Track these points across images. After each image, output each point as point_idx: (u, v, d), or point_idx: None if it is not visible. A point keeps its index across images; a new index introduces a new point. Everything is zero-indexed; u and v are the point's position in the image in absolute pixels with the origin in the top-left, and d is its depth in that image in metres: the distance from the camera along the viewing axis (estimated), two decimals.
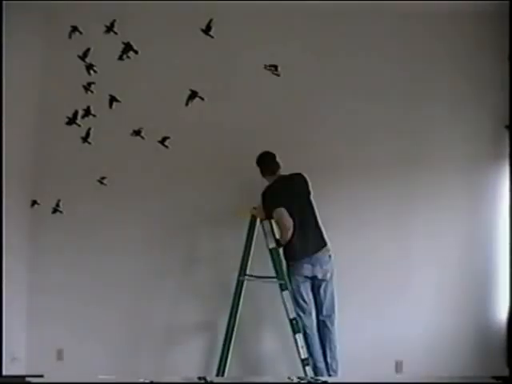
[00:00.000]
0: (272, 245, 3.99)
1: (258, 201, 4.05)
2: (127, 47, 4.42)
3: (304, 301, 3.98)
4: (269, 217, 3.97)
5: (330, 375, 3.96)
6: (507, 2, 4.06)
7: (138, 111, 4.42)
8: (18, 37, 4.15)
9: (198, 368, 4.29)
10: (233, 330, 3.96)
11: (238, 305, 3.97)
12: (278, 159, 4.09)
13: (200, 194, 4.38)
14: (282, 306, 3.97)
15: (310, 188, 4.02)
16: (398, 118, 4.36)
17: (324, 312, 4.02)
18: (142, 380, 3.92)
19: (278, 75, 4.34)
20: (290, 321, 3.94)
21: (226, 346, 3.95)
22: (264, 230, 4.01)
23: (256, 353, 4.31)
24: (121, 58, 4.44)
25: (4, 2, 3.83)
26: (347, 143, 4.35)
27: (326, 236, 4.00)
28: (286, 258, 4.01)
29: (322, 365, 3.97)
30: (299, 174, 4.03)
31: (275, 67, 4.31)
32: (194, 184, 4.38)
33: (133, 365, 4.31)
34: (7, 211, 3.95)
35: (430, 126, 4.37)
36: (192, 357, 4.32)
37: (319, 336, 4.02)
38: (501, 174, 4.31)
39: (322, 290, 3.99)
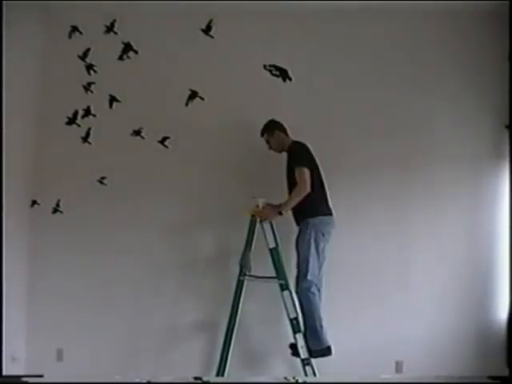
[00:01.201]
0: (272, 245, 3.99)
1: (257, 201, 4.06)
2: (127, 47, 4.42)
3: (321, 260, 3.95)
4: (290, 169, 4.00)
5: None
6: (507, 2, 4.07)
7: (138, 111, 4.42)
8: (18, 37, 4.15)
9: (198, 368, 4.28)
10: (233, 329, 3.96)
11: (238, 305, 3.97)
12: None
13: (200, 193, 4.38)
14: (282, 306, 3.97)
15: None
16: (398, 118, 4.36)
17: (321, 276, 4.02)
18: (142, 380, 3.94)
19: (278, 76, 4.35)
20: (290, 321, 3.94)
21: (226, 346, 3.95)
22: (264, 230, 4.01)
23: (256, 353, 4.31)
24: (121, 57, 4.44)
25: (4, 1, 3.83)
26: (347, 143, 4.35)
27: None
28: (317, 215, 3.95)
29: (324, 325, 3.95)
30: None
31: (275, 67, 4.30)
32: (194, 184, 4.38)
33: (133, 365, 4.31)
34: (7, 211, 3.95)
35: (430, 126, 4.37)
36: (192, 357, 4.32)
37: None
38: (501, 174, 4.31)
39: (325, 252, 4.00)
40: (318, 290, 3.96)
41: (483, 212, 4.33)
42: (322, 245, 3.94)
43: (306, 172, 3.91)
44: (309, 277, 3.89)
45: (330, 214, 4.02)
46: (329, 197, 4.05)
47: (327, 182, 4.08)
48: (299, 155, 3.99)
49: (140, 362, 4.34)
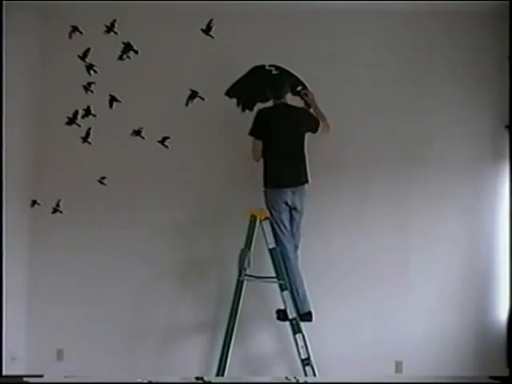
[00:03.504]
0: (272, 245, 3.99)
1: (257, 201, 4.06)
2: (127, 47, 4.42)
3: (285, 227, 3.99)
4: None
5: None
6: (507, 1, 4.06)
7: (138, 111, 4.42)
8: (18, 37, 4.15)
9: (198, 368, 4.29)
10: (233, 329, 3.96)
11: (238, 305, 3.96)
12: (288, 87, 4.10)
13: (200, 193, 4.38)
14: (282, 306, 3.97)
15: (312, 125, 4.04)
16: (398, 118, 4.36)
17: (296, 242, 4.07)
18: (140, 380, 3.95)
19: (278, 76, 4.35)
20: (290, 321, 3.94)
21: (226, 346, 3.95)
22: (264, 230, 4.01)
23: (256, 353, 4.31)
24: (121, 57, 4.44)
25: (4, 1, 3.83)
26: (347, 143, 4.35)
27: (309, 174, 4.02)
28: (266, 185, 4.00)
29: (303, 290, 3.97)
30: (303, 109, 4.10)
31: (275, 67, 4.30)
32: (194, 184, 4.38)
33: (133, 365, 4.31)
34: (7, 211, 3.95)
35: (430, 126, 4.37)
36: (192, 357, 4.33)
37: None
38: (501, 174, 4.31)
39: (295, 222, 4.03)
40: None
41: (483, 212, 4.33)
42: (278, 215, 3.96)
43: (257, 146, 4.00)
44: (282, 240, 3.97)
45: (277, 186, 3.96)
46: (284, 167, 3.96)
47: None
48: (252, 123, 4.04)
49: (140, 362, 4.34)
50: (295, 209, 4.01)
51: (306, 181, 4.02)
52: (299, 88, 4.23)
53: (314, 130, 4.06)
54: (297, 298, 3.96)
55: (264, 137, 4.01)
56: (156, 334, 4.37)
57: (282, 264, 3.97)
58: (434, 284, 4.30)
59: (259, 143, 4.01)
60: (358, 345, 4.23)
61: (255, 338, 4.30)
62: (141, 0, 4.23)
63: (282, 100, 4.06)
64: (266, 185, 4.00)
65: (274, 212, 3.98)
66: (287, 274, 3.96)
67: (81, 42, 4.45)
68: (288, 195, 3.96)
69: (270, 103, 4.12)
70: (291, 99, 4.18)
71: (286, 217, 4.00)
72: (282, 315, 4.00)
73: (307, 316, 3.97)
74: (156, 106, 4.42)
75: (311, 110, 4.18)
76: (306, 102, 4.23)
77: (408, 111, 4.37)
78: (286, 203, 3.96)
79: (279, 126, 3.98)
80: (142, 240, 4.38)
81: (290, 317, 3.93)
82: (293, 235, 4.05)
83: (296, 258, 4.05)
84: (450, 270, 4.30)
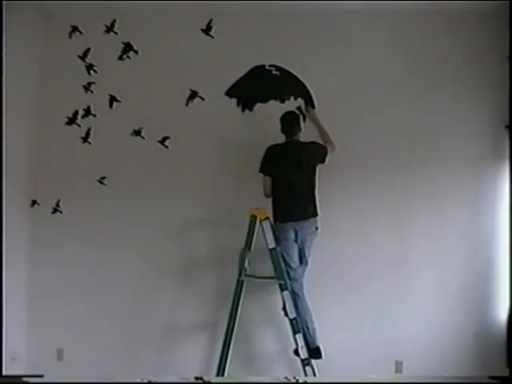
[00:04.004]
0: (272, 245, 3.99)
1: (257, 201, 4.06)
2: (127, 47, 4.42)
3: (293, 261, 4.01)
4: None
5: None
6: (507, 1, 4.07)
7: (138, 111, 4.42)
8: (18, 36, 4.15)
9: (198, 368, 4.29)
10: (233, 329, 3.96)
11: (237, 305, 3.97)
12: (301, 124, 4.11)
13: (200, 193, 4.38)
14: (282, 306, 3.97)
15: (321, 157, 4.05)
16: (398, 118, 4.36)
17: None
18: (141, 380, 3.95)
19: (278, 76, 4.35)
20: (290, 321, 3.94)
21: (226, 345, 3.95)
22: (264, 230, 4.01)
23: (256, 353, 4.31)
24: (121, 57, 4.44)
25: (4, 1, 3.83)
26: (347, 143, 4.34)
27: (318, 209, 4.04)
28: (274, 220, 4.04)
29: (313, 326, 3.99)
30: (314, 143, 4.08)
31: (275, 67, 4.30)
32: (194, 184, 4.38)
33: (133, 365, 4.31)
34: (7, 211, 3.95)
35: (430, 126, 4.36)
36: (192, 357, 4.33)
37: None
38: (501, 174, 4.31)
39: (303, 253, 4.03)
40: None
41: (483, 212, 4.33)
42: (284, 249, 3.98)
43: (266, 183, 4.05)
44: (291, 275, 3.99)
45: (283, 221, 3.99)
46: (289, 203, 4.01)
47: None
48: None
49: (140, 362, 4.34)
50: (303, 242, 4.02)
51: (314, 214, 4.03)
52: (302, 106, 4.24)
53: (324, 160, 4.07)
54: (307, 334, 3.97)
55: (273, 174, 4.03)
56: (156, 334, 4.37)
57: (282, 264, 3.98)
58: (433, 284, 4.30)
59: (268, 180, 4.04)
60: (358, 345, 4.23)
61: (255, 338, 4.30)
62: (141, 0, 4.23)
63: (295, 137, 4.08)
64: (274, 219, 4.03)
65: (282, 246, 3.99)
66: (296, 309, 3.96)
67: (81, 42, 4.45)
68: (294, 229, 3.98)
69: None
70: (291, 104, 4.22)
71: (293, 251, 4.01)
72: (297, 352, 3.99)
73: (316, 352, 3.98)
74: (156, 106, 4.42)
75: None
76: (304, 118, 4.20)
77: (408, 111, 4.36)
78: (289, 237, 3.98)
79: (288, 165, 4.01)
80: (142, 240, 4.38)
81: (290, 317, 3.93)
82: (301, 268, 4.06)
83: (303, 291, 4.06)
84: (449, 269, 4.30)
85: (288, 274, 3.97)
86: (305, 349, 3.94)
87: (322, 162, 4.07)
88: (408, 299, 4.29)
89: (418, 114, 4.36)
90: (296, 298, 3.99)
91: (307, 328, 3.98)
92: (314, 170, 4.06)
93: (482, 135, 4.36)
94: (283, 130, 4.09)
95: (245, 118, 4.35)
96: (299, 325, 3.94)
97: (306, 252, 4.04)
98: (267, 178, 4.06)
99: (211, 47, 4.38)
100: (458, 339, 4.24)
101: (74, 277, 4.39)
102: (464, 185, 4.34)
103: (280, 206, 4.02)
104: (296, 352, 3.99)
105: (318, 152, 4.06)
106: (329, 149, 4.08)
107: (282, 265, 3.95)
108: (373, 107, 4.37)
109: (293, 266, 4.00)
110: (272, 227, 4.02)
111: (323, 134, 4.15)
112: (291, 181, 4.00)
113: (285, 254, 3.99)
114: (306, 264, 4.06)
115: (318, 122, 4.19)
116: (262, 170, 4.06)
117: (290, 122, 4.10)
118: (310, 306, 4.03)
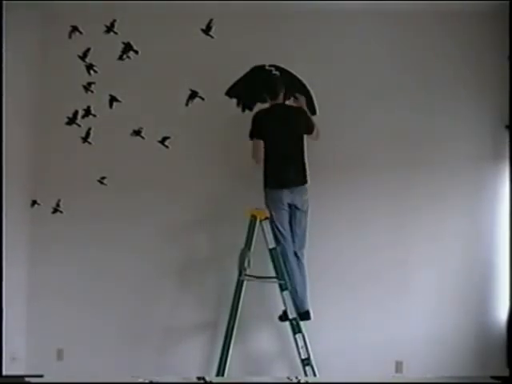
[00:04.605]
0: (272, 245, 3.99)
1: (257, 201, 4.06)
2: (127, 47, 4.43)
3: (284, 228, 4.00)
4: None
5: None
6: (507, 1, 4.07)
7: (138, 111, 4.43)
8: (18, 36, 4.15)
9: (198, 368, 4.29)
10: (233, 329, 3.96)
11: (237, 305, 3.96)
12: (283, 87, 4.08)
13: (200, 193, 4.38)
14: (282, 306, 3.97)
15: (308, 126, 4.03)
16: (398, 118, 4.36)
17: (297, 243, 4.06)
18: (141, 380, 3.95)
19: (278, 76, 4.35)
20: (290, 321, 3.94)
21: (226, 345, 3.95)
22: (264, 230, 4.01)
23: (256, 353, 4.31)
24: (121, 57, 4.44)
25: (4, 1, 3.83)
26: (347, 143, 4.35)
27: (308, 174, 4.03)
28: (266, 186, 4.01)
29: (301, 289, 3.99)
30: (300, 109, 4.07)
31: (275, 67, 4.30)
32: (194, 184, 4.38)
33: (133, 365, 4.31)
34: (7, 211, 3.95)
35: (430, 126, 4.36)
36: (192, 357, 4.33)
37: None
38: (501, 174, 4.31)
39: (297, 220, 4.03)
40: (296, 256, 4.04)
41: (483, 212, 4.33)
42: (276, 215, 3.97)
43: (259, 146, 4.01)
44: (280, 240, 3.99)
45: (279, 187, 3.97)
46: (283, 167, 3.96)
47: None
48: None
49: (140, 362, 4.34)
50: (296, 207, 4.01)
51: (305, 181, 4.03)
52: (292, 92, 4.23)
53: (310, 131, 4.06)
54: (295, 297, 3.97)
55: (265, 137, 4.01)
56: (156, 334, 4.37)
57: (282, 264, 3.98)
58: (433, 284, 4.29)
59: (260, 143, 4.02)
60: (358, 345, 4.22)
61: (255, 337, 4.30)
62: (141, 0, 4.23)
63: (278, 100, 4.06)
64: (265, 185, 4.02)
65: (273, 212, 3.98)
66: (287, 273, 3.96)
67: (81, 42, 4.45)
68: (287, 195, 3.96)
69: (266, 104, 4.12)
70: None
71: (285, 217, 4.01)
72: (283, 316, 4.01)
73: (305, 315, 3.98)
74: (156, 105, 4.42)
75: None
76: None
77: (408, 110, 4.36)
78: (286, 203, 3.97)
79: (277, 126, 3.99)
80: (142, 240, 4.38)
81: (290, 317, 3.93)
82: (294, 235, 4.05)
83: (301, 257, 4.06)
84: (449, 269, 4.30)
85: (278, 240, 3.98)
86: (305, 348, 3.93)
87: (310, 133, 4.05)
88: (408, 299, 4.28)
89: (418, 114, 4.36)
90: (285, 260, 3.97)
91: (295, 291, 3.96)
92: (302, 138, 4.03)
93: (482, 135, 4.36)
94: (267, 93, 4.07)
95: (245, 118, 4.35)
96: (299, 325, 3.93)
97: (303, 221, 4.04)
98: (259, 141, 4.01)
99: (211, 47, 4.38)
100: (458, 339, 4.24)
101: (74, 277, 4.39)
102: (464, 185, 4.34)
103: (272, 171, 3.98)
104: (282, 317, 4.00)
105: (304, 118, 4.05)
106: (315, 130, 4.07)
107: (276, 233, 3.96)
108: (373, 107, 4.36)
109: (283, 231, 3.99)
110: (266, 195, 4.00)
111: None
112: (282, 144, 3.97)
113: (276, 220, 3.97)
114: (300, 227, 4.04)
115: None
116: (251, 134, 4.03)
117: (272, 84, 4.08)
118: (305, 271, 4.03)
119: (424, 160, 4.35)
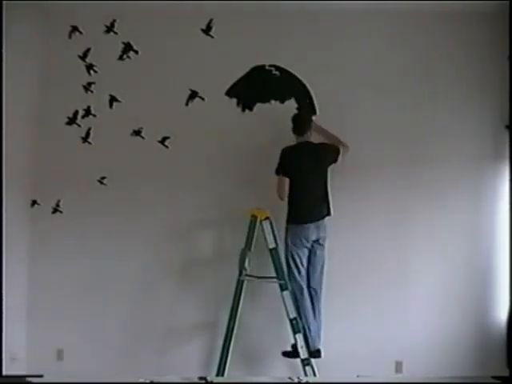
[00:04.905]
0: (272, 245, 3.99)
1: (257, 201, 4.05)
2: (127, 47, 4.43)
3: (302, 265, 4.01)
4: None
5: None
6: (507, 1, 4.07)
7: (138, 111, 4.42)
8: (18, 36, 4.15)
9: (198, 368, 4.29)
10: (233, 330, 3.96)
11: (238, 305, 3.97)
12: (312, 123, 4.11)
13: (200, 194, 4.38)
14: (282, 306, 3.97)
15: (334, 157, 4.06)
16: (398, 118, 4.36)
17: (317, 279, 4.07)
18: (142, 380, 3.95)
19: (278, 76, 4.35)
20: (290, 321, 3.95)
21: (226, 345, 3.95)
22: (264, 230, 4.01)
23: (256, 353, 4.31)
24: (121, 57, 4.44)
25: (4, 1, 3.83)
26: (348, 143, 4.34)
27: (331, 206, 4.07)
28: (289, 222, 4.01)
29: (314, 328, 3.99)
30: (326, 144, 4.11)
31: (275, 67, 4.30)
32: (194, 184, 4.38)
33: (133, 365, 4.31)
34: (7, 211, 3.96)
35: (430, 126, 4.36)
36: (192, 357, 4.33)
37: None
38: (501, 174, 4.31)
39: (317, 256, 4.04)
40: (309, 293, 4.03)
41: (483, 212, 4.33)
42: (297, 251, 3.98)
43: (284, 183, 4.01)
44: (297, 278, 3.99)
45: (305, 222, 3.98)
46: (309, 204, 4.01)
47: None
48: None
49: (140, 362, 4.34)
50: (318, 242, 4.02)
51: (329, 213, 4.06)
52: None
53: (336, 159, 4.09)
54: (308, 335, 3.98)
55: (292, 175, 4.02)
56: (156, 334, 4.37)
57: (281, 264, 3.98)
58: (434, 284, 4.29)
59: (286, 181, 4.01)
60: (358, 345, 4.22)
61: (255, 338, 4.30)
62: (141, 0, 4.23)
63: (305, 137, 4.08)
64: (288, 221, 4.02)
65: (293, 248, 3.98)
66: (298, 313, 3.97)
67: (81, 42, 4.45)
68: (313, 231, 3.98)
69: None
70: (291, 104, 4.23)
71: (305, 254, 4.02)
72: (291, 353, 4.03)
73: (316, 353, 3.99)
74: (156, 106, 4.42)
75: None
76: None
77: (408, 110, 4.36)
78: (310, 240, 3.98)
79: (304, 165, 4.01)
80: (141, 240, 4.38)
81: (291, 317, 3.94)
82: (312, 271, 4.05)
83: (319, 292, 4.07)
84: (449, 270, 4.30)
85: (293, 276, 3.98)
86: (304, 348, 3.94)
87: (335, 161, 4.09)
88: (408, 299, 4.28)
89: (419, 114, 4.36)
90: (299, 298, 3.98)
91: (309, 330, 3.97)
92: (327, 171, 4.08)
93: (483, 135, 4.36)
94: (293, 130, 4.09)
95: (245, 118, 4.35)
96: (299, 325, 3.93)
97: (322, 257, 4.06)
98: (284, 178, 4.02)
99: (211, 47, 4.38)
100: (458, 339, 4.24)
101: (74, 277, 4.39)
102: (464, 184, 4.34)
103: (300, 208, 4.00)
104: (291, 353, 4.00)
105: (330, 152, 4.08)
106: (342, 149, 4.10)
107: (293, 269, 3.98)
108: (373, 107, 4.36)
109: (300, 267, 3.99)
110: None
111: (334, 138, 4.16)
112: (309, 182, 4.00)
113: (295, 255, 3.98)
114: (318, 265, 4.06)
115: (323, 130, 4.20)
116: (278, 171, 4.04)
117: (299, 121, 4.10)
118: (320, 307, 4.05)
119: (424, 159, 4.35)
